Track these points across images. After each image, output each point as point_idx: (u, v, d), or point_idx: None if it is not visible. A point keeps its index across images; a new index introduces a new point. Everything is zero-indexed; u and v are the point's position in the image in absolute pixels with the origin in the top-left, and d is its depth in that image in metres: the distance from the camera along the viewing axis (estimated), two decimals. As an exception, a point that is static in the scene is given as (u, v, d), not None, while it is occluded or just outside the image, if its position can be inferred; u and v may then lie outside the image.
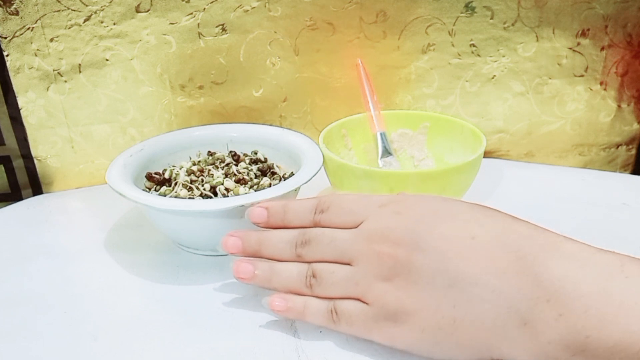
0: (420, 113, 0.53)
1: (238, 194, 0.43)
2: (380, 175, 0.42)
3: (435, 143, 0.52)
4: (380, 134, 0.51)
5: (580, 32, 0.53)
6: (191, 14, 0.50)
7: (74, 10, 0.48)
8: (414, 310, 0.29)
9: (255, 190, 0.43)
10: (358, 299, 0.32)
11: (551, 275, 0.26)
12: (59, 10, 0.48)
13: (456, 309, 0.28)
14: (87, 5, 0.48)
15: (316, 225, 0.34)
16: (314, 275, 0.33)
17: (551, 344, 0.26)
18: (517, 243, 0.28)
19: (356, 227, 0.33)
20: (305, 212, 0.35)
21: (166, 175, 0.46)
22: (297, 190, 0.41)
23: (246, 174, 0.46)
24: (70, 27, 0.49)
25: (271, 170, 0.47)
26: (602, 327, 0.24)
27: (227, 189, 0.44)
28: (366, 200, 0.34)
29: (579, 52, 0.54)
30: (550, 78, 0.56)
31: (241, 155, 0.49)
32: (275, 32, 0.52)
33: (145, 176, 0.46)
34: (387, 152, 0.51)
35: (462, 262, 0.28)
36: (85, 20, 0.49)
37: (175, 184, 0.45)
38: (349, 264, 0.32)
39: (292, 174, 0.45)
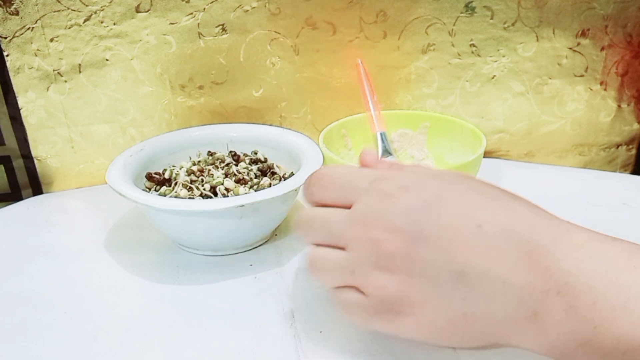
0: (420, 113, 0.53)
1: (238, 194, 0.43)
2: None
3: (435, 143, 0.52)
4: (380, 134, 0.51)
5: (580, 32, 0.53)
6: (191, 14, 0.50)
7: (74, 10, 0.48)
8: (420, 303, 0.28)
9: (255, 190, 0.43)
10: (356, 288, 0.30)
11: (562, 268, 0.26)
12: (59, 10, 0.48)
13: (466, 302, 0.27)
14: (87, 5, 0.48)
15: (311, 200, 0.33)
16: (310, 262, 0.31)
17: (560, 335, 0.26)
18: (525, 233, 0.27)
19: (350, 206, 0.30)
20: (305, 186, 0.34)
21: (166, 175, 0.46)
22: (297, 190, 0.41)
23: (246, 174, 0.46)
24: (70, 27, 0.49)
25: (271, 170, 0.47)
26: (610, 319, 0.25)
27: (227, 189, 0.44)
28: (358, 175, 0.31)
29: (579, 52, 0.54)
30: (550, 78, 0.55)
31: (241, 155, 0.49)
32: (275, 32, 0.52)
33: (145, 176, 0.46)
34: (387, 152, 0.51)
35: (469, 254, 0.27)
36: (85, 20, 0.49)
37: (175, 184, 0.45)
38: (343, 249, 0.30)
39: (292, 174, 0.45)
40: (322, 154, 0.45)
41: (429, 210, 0.28)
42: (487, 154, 0.59)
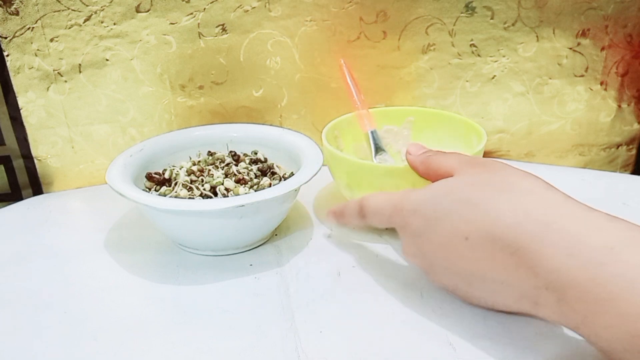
0: (404, 108, 0.53)
1: (238, 194, 0.43)
2: (403, 172, 0.42)
3: (420, 136, 0.52)
4: (372, 132, 0.51)
5: (580, 32, 0.53)
6: (191, 14, 0.50)
7: (74, 10, 0.48)
8: (450, 291, 0.36)
9: (255, 190, 0.43)
10: None
11: (544, 267, 0.28)
12: (59, 10, 0.48)
13: (481, 295, 0.33)
14: (87, 5, 0.48)
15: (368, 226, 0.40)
16: None
17: (560, 319, 0.28)
18: (506, 237, 0.29)
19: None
20: (356, 217, 0.39)
21: (166, 175, 0.46)
22: (297, 190, 0.41)
23: (246, 174, 0.46)
24: (70, 27, 0.49)
25: (271, 170, 0.47)
26: (597, 311, 0.26)
27: (227, 189, 0.44)
28: (383, 210, 0.37)
29: (579, 52, 0.54)
30: (550, 78, 0.55)
31: (241, 155, 0.49)
32: (275, 32, 0.52)
33: (145, 176, 0.46)
34: (380, 149, 0.50)
35: (467, 264, 0.31)
36: (85, 20, 0.49)
37: (175, 184, 0.45)
38: None
39: (292, 174, 0.45)
40: (327, 153, 0.44)
41: (426, 234, 0.33)
42: (487, 154, 0.59)
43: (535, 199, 0.30)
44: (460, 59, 0.55)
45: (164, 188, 0.45)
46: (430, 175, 0.37)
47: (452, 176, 0.34)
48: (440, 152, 0.37)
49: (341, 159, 0.44)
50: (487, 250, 0.30)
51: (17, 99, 0.50)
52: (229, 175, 0.46)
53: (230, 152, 0.50)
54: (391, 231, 0.45)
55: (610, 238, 0.27)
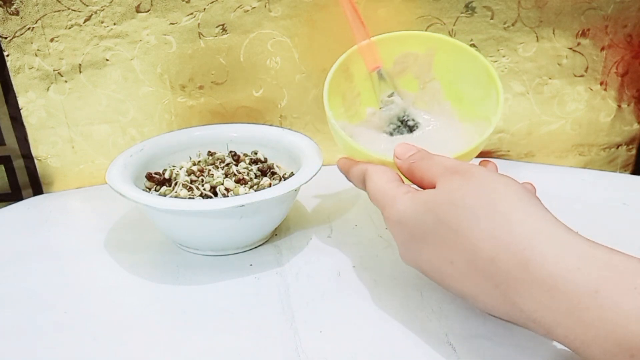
0: (429, 35, 0.46)
1: (238, 194, 0.43)
2: (393, 165, 0.40)
3: (443, 66, 0.46)
4: (378, 73, 0.46)
5: (580, 32, 0.53)
6: (191, 14, 0.50)
7: (74, 11, 0.48)
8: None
9: (255, 190, 0.43)
10: None
11: (527, 306, 0.28)
12: (59, 11, 0.48)
13: (477, 307, 0.32)
14: (87, 5, 0.48)
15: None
16: None
17: (556, 340, 0.28)
18: (488, 270, 0.29)
19: None
20: (358, 183, 0.40)
21: (166, 175, 0.46)
22: (297, 190, 0.41)
23: (246, 174, 0.46)
24: (70, 27, 0.49)
25: (271, 170, 0.47)
26: (582, 349, 0.26)
27: (227, 189, 0.44)
28: (376, 199, 0.36)
29: (579, 52, 0.54)
30: (550, 78, 0.55)
31: (241, 155, 0.50)
32: (275, 32, 0.52)
33: (145, 176, 0.46)
34: (387, 91, 0.46)
35: (455, 284, 0.32)
36: (85, 21, 0.49)
37: (175, 184, 0.45)
38: None
39: (292, 174, 0.45)
40: (351, 146, 0.41)
41: (413, 246, 0.33)
42: (487, 154, 0.59)
43: (513, 228, 0.29)
44: (460, 59, 0.54)
45: (164, 188, 0.45)
46: (416, 183, 0.36)
47: (434, 186, 0.33)
48: (425, 157, 0.36)
49: (337, 133, 0.41)
50: (473, 277, 0.30)
51: (17, 99, 0.50)
52: (229, 175, 0.46)
53: (230, 152, 0.50)
54: None
55: (594, 276, 0.26)
